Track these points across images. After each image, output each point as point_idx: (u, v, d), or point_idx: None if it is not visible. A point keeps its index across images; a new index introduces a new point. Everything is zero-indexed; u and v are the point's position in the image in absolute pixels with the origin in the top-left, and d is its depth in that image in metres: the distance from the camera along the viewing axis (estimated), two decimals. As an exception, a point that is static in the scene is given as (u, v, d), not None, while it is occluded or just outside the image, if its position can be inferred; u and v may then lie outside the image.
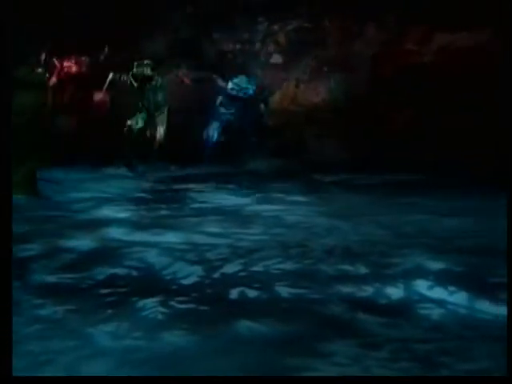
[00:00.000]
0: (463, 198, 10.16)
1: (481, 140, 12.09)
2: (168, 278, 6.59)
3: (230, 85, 10.05)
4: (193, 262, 7.04)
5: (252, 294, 6.28)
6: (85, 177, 10.67)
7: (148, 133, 11.02)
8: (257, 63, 13.44)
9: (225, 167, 11.57)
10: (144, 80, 10.59)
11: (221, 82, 10.14)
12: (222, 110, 10.02)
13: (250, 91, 9.94)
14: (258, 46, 13.56)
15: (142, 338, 5.18)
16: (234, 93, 9.81)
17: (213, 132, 10.16)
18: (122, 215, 8.97)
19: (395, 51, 12.92)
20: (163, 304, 5.83)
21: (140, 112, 10.93)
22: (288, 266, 7.08)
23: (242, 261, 7.17)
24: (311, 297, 6.25)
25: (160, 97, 10.90)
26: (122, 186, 10.58)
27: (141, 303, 5.84)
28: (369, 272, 6.99)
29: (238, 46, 13.31)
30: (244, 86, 9.83)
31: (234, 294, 6.24)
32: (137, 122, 10.75)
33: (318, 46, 13.25)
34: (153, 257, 7.14)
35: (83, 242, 7.52)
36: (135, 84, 10.54)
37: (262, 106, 9.99)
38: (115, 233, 7.99)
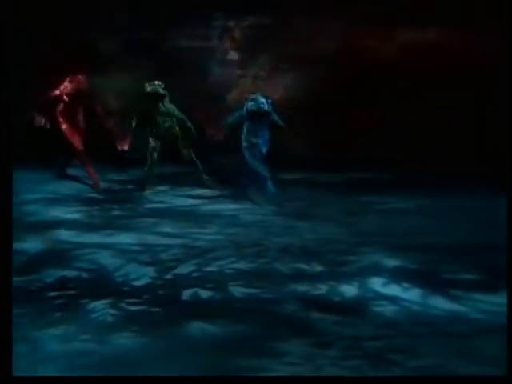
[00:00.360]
0: (423, 196, 10.17)
1: (446, 139, 12.15)
2: (119, 279, 6.47)
3: (248, 106, 9.80)
4: (146, 264, 6.93)
5: (205, 294, 6.21)
6: (34, 177, 10.46)
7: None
8: (213, 60, 13.35)
9: (182, 167, 11.46)
10: (157, 98, 10.16)
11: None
12: (251, 138, 9.64)
13: (266, 107, 9.81)
14: (214, 42, 13.50)
15: (91, 340, 5.08)
16: (254, 108, 9.59)
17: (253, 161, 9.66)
18: (73, 216, 8.81)
19: (354, 48, 12.94)
20: (113, 306, 5.73)
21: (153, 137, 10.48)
22: (242, 265, 7.01)
23: (195, 261, 7.08)
24: (265, 296, 6.21)
25: (171, 122, 10.48)
26: (73, 186, 10.38)
27: (91, 305, 5.73)
28: (324, 270, 6.97)
29: (193, 44, 13.22)
30: (260, 101, 9.70)
31: (186, 294, 6.16)
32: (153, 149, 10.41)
33: (276, 43, 13.23)
34: (105, 258, 7.01)
35: (33, 245, 7.36)
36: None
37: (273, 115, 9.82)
38: (66, 234, 7.84)
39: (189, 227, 8.41)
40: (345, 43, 13.15)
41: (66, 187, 10.42)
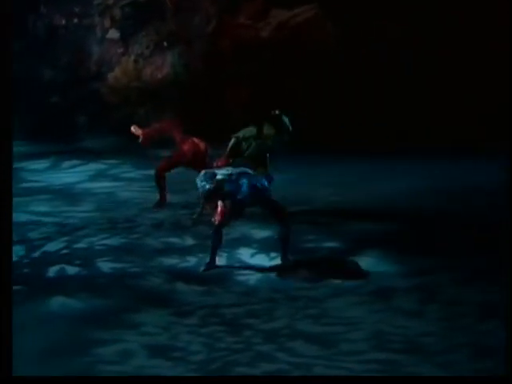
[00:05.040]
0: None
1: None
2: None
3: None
4: (14, 242, 6.86)
5: (72, 270, 6.24)
6: None
7: None
8: (93, 38, 13.17)
9: (59, 145, 11.31)
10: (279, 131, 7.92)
11: None
12: None
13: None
14: (94, 20, 13.31)
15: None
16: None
17: None
18: None
19: (231, 26, 13.07)
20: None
21: None
22: (114, 241, 7.06)
23: (66, 238, 7.08)
24: (132, 270, 6.29)
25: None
26: None
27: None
28: (195, 243, 7.09)
29: (71, 21, 12.99)
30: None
31: (52, 271, 6.17)
32: None
33: (155, 21, 13.18)
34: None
35: None
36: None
37: None
38: None
39: (63, 205, 8.38)
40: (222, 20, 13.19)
41: None
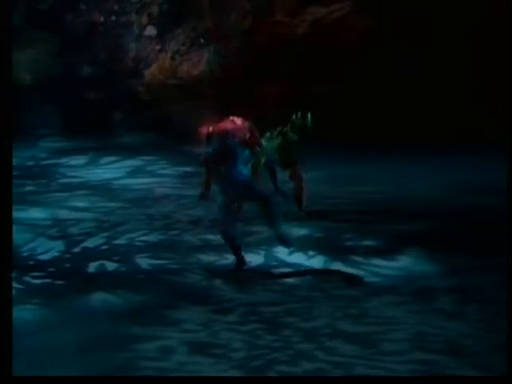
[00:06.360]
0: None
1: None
2: (26, 254, 6.51)
3: None
4: (54, 238, 6.96)
5: (111, 266, 6.30)
6: None
7: None
8: (130, 36, 13.24)
9: (97, 141, 11.42)
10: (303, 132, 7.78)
11: None
12: None
13: None
14: (131, 17, 13.38)
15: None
16: None
17: None
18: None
19: (267, 23, 13.04)
20: (17, 280, 5.77)
21: None
22: (152, 237, 7.11)
23: (105, 234, 7.15)
24: (171, 267, 6.33)
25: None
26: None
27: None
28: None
29: (109, 18, 13.08)
30: None
31: (92, 267, 6.24)
32: None
33: (192, 18, 13.20)
34: (13, 233, 6.99)
35: None
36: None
37: None
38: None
39: (101, 201, 8.46)
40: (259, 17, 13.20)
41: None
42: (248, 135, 6.58)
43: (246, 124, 7.36)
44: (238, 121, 6.88)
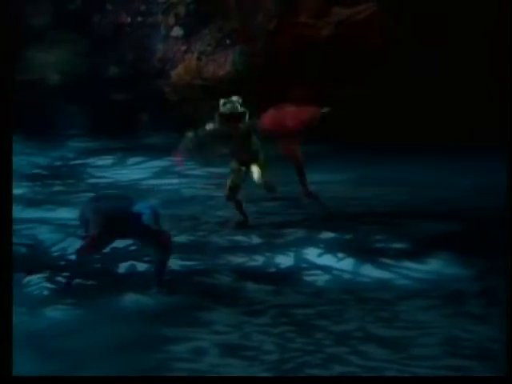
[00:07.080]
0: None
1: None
2: (57, 254, 6.56)
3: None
4: (84, 238, 6.99)
5: (142, 267, 6.33)
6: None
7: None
8: (157, 36, 13.31)
9: (124, 141, 11.47)
10: (234, 119, 7.83)
11: None
12: None
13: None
14: (158, 18, 13.47)
15: (25, 313, 5.18)
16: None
17: None
18: (16, 192, 8.78)
19: (292, 24, 13.05)
20: (49, 280, 5.82)
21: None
22: (181, 238, 7.12)
23: (134, 235, 7.17)
24: (201, 268, 6.35)
25: (252, 142, 8.00)
26: (16, 162, 10.31)
27: (26, 280, 5.81)
28: (262, 242, 7.11)
29: (136, 19, 13.17)
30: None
31: (122, 268, 6.27)
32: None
33: (218, 19, 13.25)
34: (43, 233, 7.07)
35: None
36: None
37: None
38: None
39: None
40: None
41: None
42: None
43: None
44: None
